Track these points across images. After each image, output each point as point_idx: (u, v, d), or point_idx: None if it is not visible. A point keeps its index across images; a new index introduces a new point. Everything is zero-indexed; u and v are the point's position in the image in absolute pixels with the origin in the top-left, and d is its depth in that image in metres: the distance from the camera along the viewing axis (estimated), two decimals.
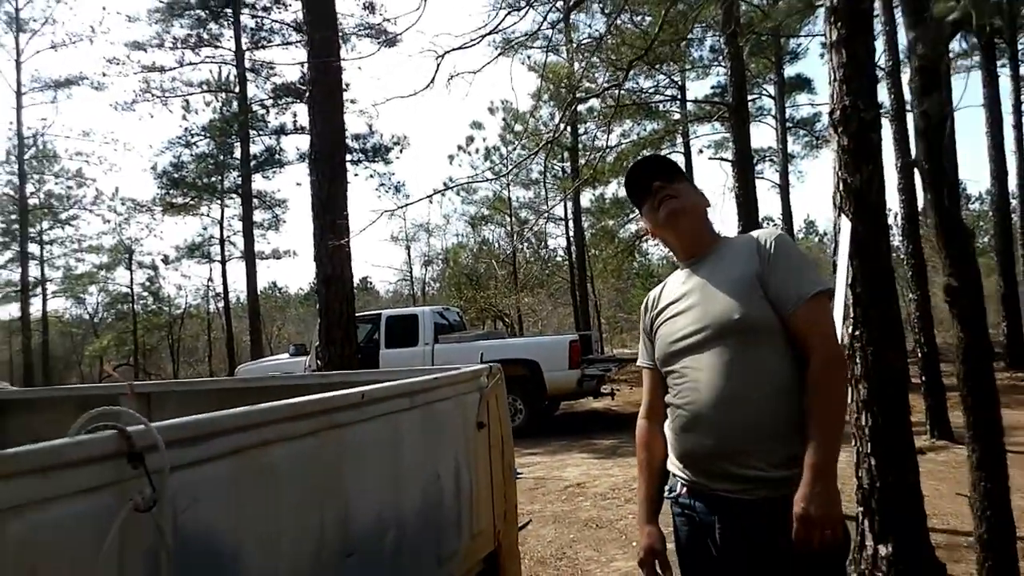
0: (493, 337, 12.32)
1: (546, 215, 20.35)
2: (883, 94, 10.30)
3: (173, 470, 1.03)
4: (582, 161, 20.21)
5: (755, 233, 1.77)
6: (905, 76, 7.66)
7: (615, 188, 26.43)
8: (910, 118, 6.28)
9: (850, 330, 3.93)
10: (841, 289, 3.91)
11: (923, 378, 7.81)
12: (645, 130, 24.10)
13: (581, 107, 21.85)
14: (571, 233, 25.59)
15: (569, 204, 25.40)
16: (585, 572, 4.31)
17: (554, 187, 24.80)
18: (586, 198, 26.74)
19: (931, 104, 2.75)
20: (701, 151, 25.91)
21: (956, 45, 19.29)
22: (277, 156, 23.75)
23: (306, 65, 6.67)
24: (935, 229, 2.83)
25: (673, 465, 1.75)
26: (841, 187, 3.98)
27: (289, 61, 22.37)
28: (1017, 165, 15.83)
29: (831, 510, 1.48)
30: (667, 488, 1.79)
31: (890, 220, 13.38)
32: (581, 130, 23.13)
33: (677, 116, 23.48)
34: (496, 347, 10.43)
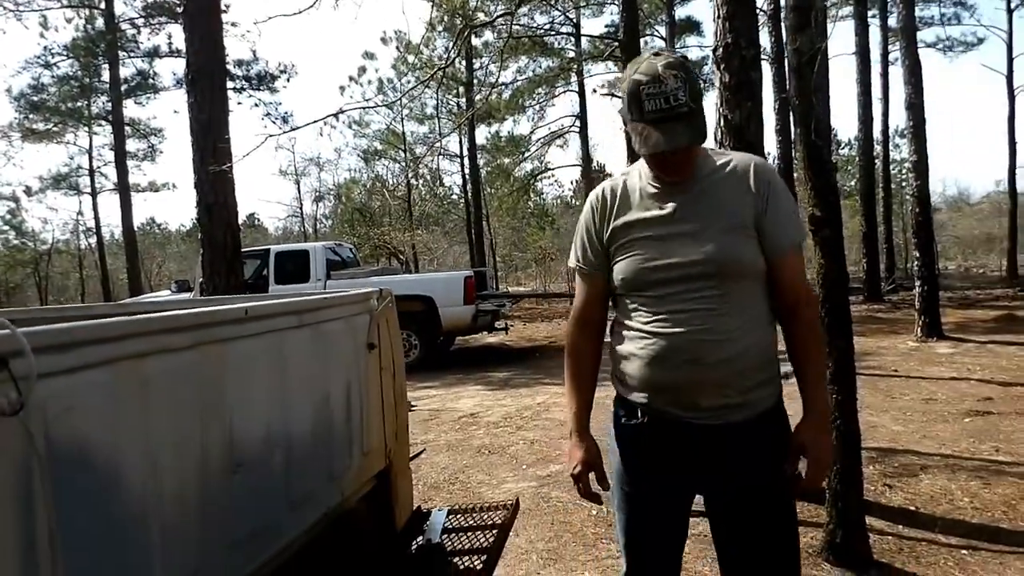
0: (387, 273, 12.22)
1: (439, 148, 20.01)
2: (765, 39, 10.71)
3: (43, 377, 0.99)
4: (478, 97, 19.98)
5: (747, 163, 1.66)
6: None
7: (511, 125, 26.40)
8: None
9: None
10: None
11: None
12: (541, 67, 24.03)
13: (477, 41, 21.48)
14: (467, 171, 25.42)
15: (465, 141, 25.15)
16: (477, 494, 4.48)
17: (449, 122, 24.41)
18: (482, 135, 26.55)
19: (803, 41, 2.90)
20: (595, 90, 26.10)
21: None
22: (151, 81, 22.13)
23: None
24: (803, 162, 3.02)
25: (628, 389, 1.70)
26: (722, 123, 4.15)
27: None
28: (882, 112, 16.95)
29: (832, 454, 1.59)
30: (618, 413, 1.76)
31: (770, 160, 14.05)
32: (476, 65, 22.77)
33: (572, 54, 23.48)
34: (390, 282, 10.34)
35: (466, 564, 2.08)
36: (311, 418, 1.82)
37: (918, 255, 10.38)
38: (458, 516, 2.47)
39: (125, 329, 1.20)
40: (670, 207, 1.62)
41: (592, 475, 1.76)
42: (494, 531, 2.30)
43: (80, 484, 1.09)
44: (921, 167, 10.31)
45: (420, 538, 2.32)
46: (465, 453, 5.45)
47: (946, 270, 26.51)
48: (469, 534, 2.32)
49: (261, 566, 1.57)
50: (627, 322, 1.68)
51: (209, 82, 5.94)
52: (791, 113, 3.17)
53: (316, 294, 2.10)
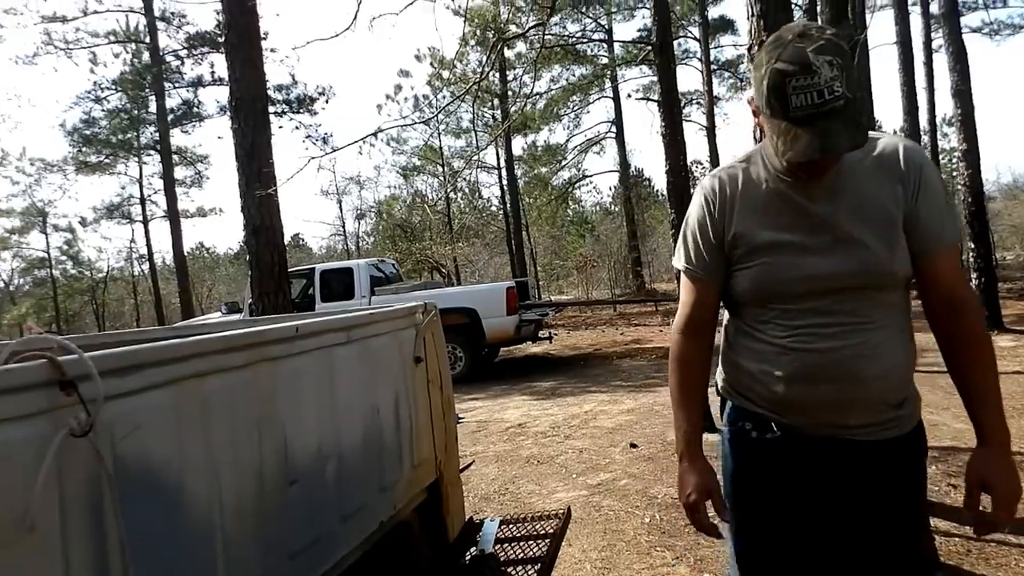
0: (430, 287, 12.33)
1: (476, 161, 20.17)
2: None
3: (110, 399, 1.04)
4: (513, 108, 20.11)
5: (895, 147, 1.42)
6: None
7: (547, 135, 26.51)
8: None
9: None
10: None
11: None
12: (574, 75, 24.10)
13: (510, 53, 21.67)
14: (504, 182, 25.56)
15: (502, 153, 25.30)
16: (527, 504, 4.48)
17: (485, 135, 24.60)
18: (518, 146, 26.70)
19: (841, 32, 2.85)
20: (629, 95, 26.08)
21: None
22: (196, 109, 22.84)
23: (220, 9, 6.37)
24: None
25: (757, 406, 1.52)
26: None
27: (200, 4, 21.19)
28: (927, 101, 16.51)
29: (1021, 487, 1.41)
30: (743, 427, 1.57)
31: None
32: (510, 76, 22.91)
33: (605, 60, 23.47)
34: (433, 296, 10.45)
35: (520, 574, 2.09)
36: (362, 432, 1.86)
37: (973, 246, 10.06)
38: (510, 526, 2.48)
39: (185, 350, 1.25)
40: (809, 207, 1.41)
41: (709, 503, 1.53)
42: (547, 540, 2.30)
43: (145, 499, 1.13)
44: (971, 156, 10.01)
45: (473, 549, 2.34)
46: (514, 464, 5.46)
47: (1004, 260, 25.63)
48: (522, 544, 2.33)
49: None
50: (756, 335, 1.49)
51: (251, 108, 6.11)
52: None
53: (362, 310, 2.14)
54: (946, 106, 16.44)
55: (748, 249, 1.45)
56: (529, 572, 2.09)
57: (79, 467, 0.99)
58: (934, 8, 16.36)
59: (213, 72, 21.43)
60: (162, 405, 1.18)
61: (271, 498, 1.44)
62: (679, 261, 1.61)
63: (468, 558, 2.30)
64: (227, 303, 12.55)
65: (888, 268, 1.38)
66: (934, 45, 18.34)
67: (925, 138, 17.46)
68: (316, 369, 1.68)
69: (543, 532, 2.36)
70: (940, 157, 21.80)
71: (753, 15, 4.12)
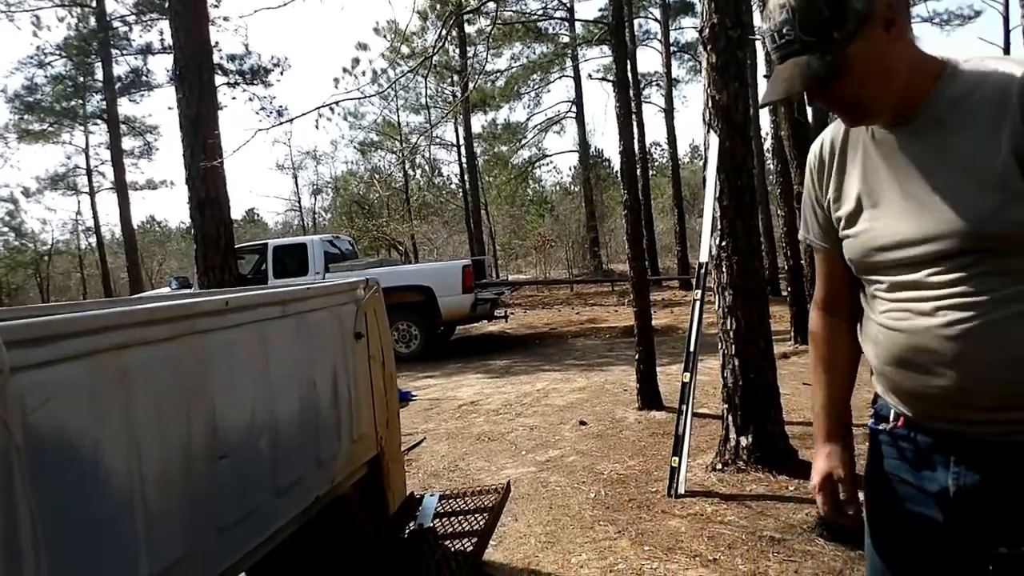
0: (386, 264, 12.24)
1: (433, 137, 19.99)
2: (758, 18, 10.64)
3: (19, 370, 1.02)
4: (471, 84, 19.95)
5: (1008, 78, 1.11)
6: None
7: (507, 113, 26.39)
8: None
9: (718, 241, 4.19)
10: (710, 202, 4.14)
11: (789, 289, 8.43)
12: (535, 53, 23.99)
13: (471, 29, 21.43)
14: (464, 160, 25.39)
15: (461, 130, 25.10)
16: (476, 480, 4.51)
17: (444, 111, 24.38)
18: (478, 123, 26.52)
19: None
20: (590, 75, 26.08)
21: None
22: (144, 78, 22.12)
23: None
24: (788, 140, 3.02)
25: (882, 390, 1.33)
26: (709, 103, 4.16)
27: None
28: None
29: None
30: (873, 413, 1.38)
31: (766, 142, 14.00)
32: (471, 52, 22.68)
33: (566, 39, 23.40)
34: (389, 274, 10.39)
35: (456, 547, 2.11)
36: (298, 407, 1.85)
37: None
38: (450, 501, 2.50)
39: (103, 322, 1.22)
40: (900, 161, 1.20)
41: (840, 489, 1.36)
42: (485, 514, 2.33)
43: (60, 474, 1.11)
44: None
45: (412, 523, 2.36)
46: (465, 441, 5.49)
47: None
48: (461, 518, 2.35)
49: (252, 551, 1.60)
50: (867, 311, 1.34)
51: (197, 77, 5.94)
52: None
53: (302, 285, 2.12)
54: None
55: (845, 215, 1.30)
56: (466, 545, 2.12)
57: None
58: None
59: (163, 40, 20.71)
60: (79, 377, 1.16)
61: (198, 472, 1.43)
62: (801, 232, 1.48)
63: (407, 532, 2.32)
64: (177, 278, 12.29)
65: (995, 228, 1.10)
66: None
67: None
68: (249, 343, 1.66)
69: (482, 506, 2.39)
70: None
71: None
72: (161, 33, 20.73)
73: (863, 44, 1.11)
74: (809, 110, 4.92)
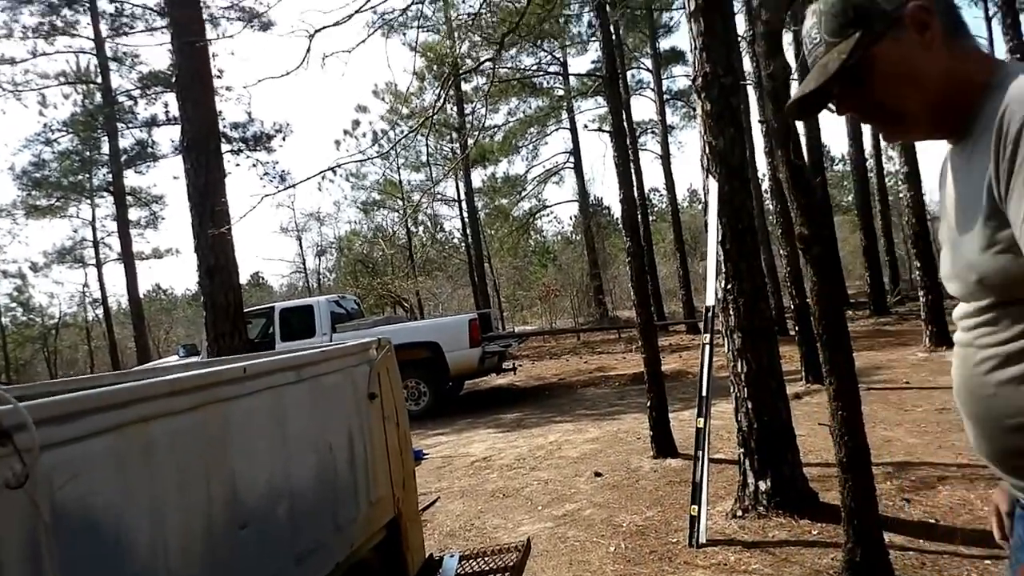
0: (392, 322, 12.25)
1: (433, 194, 20.24)
2: (748, 64, 10.90)
3: (47, 448, 1.03)
4: (471, 141, 20.31)
5: (1005, 101, 0.96)
6: None
7: (506, 166, 26.77)
8: None
9: (723, 284, 4.21)
10: (712, 246, 4.18)
11: (797, 328, 8.41)
12: (531, 107, 24.46)
13: (467, 87, 21.92)
14: (465, 214, 25.66)
15: (461, 185, 25.44)
16: (493, 539, 4.44)
17: (445, 168, 24.75)
18: (478, 178, 26.89)
19: (776, 66, 2.97)
20: (586, 126, 26.51)
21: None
22: (150, 149, 22.52)
23: (171, 48, 6.34)
24: (787, 183, 3.07)
25: None
26: (707, 149, 4.23)
27: (154, 45, 21.06)
28: (872, 128, 17.09)
29: None
30: None
31: (764, 183, 14.13)
32: (468, 110, 23.15)
33: (561, 92, 23.89)
34: (396, 331, 10.39)
35: None
36: (315, 471, 1.84)
37: (919, 264, 10.39)
38: (471, 561, 2.46)
39: (127, 396, 1.24)
40: (951, 183, 1.11)
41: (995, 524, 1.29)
42: (507, 573, 2.29)
43: (86, 548, 1.11)
44: (913, 177, 10.39)
45: None
46: (480, 498, 5.41)
47: None
48: None
49: None
50: None
51: (204, 148, 6.08)
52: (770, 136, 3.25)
53: (315, 348, 2.13)
54: None
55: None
56: None
57: (15, 518, 0.97)
58: None
59: (167, 111, 21.17)
60: (104, 452, 1.17)
61: (221, 542, 1.42)
62: None
63: None
64: (184, 345, 12.30)
65: (977, 272, 1.02)
66: None
67: (870, 162, 18.07)
68: (266, 409, 1.67)
69: (503, 565, 2.35)
70: (886, 180, 22.49)
71: (697, 48, 4.27)
72: (166, 105, 21.20)
73: (890, 46, 1.06)
74: (806, 151, 4.98)
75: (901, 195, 11.57)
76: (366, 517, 2.10)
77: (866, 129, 16.65)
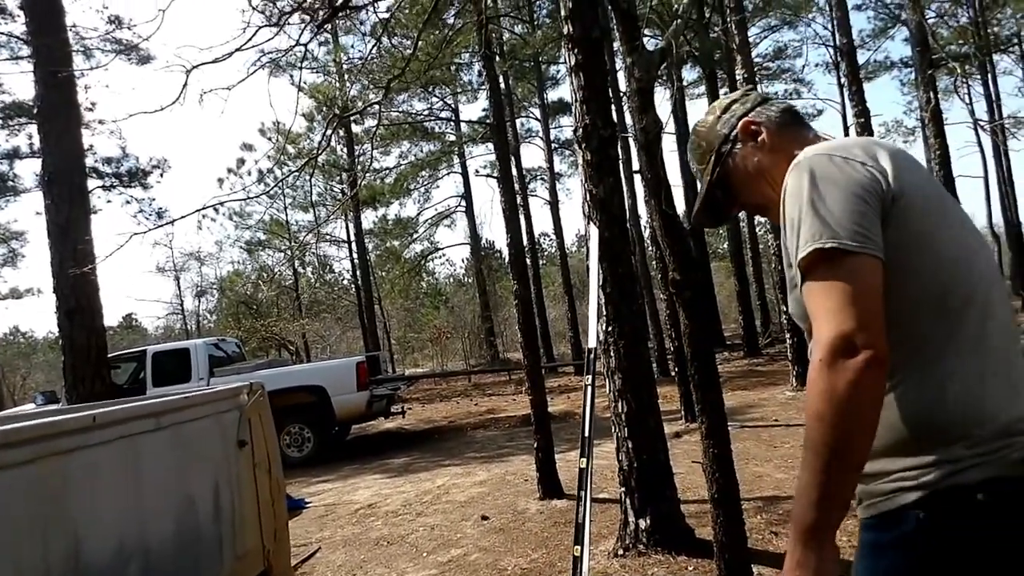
0: (276, 365, 11.79)
1: (322, 235, 19.84)
2: (628, 118, 11.46)
3: None
4: (362, 183, 20.11)
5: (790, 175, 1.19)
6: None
7: (397, 208, 26.65)
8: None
9: (604, 327, 4.34)
10: (594, 290, 4.30)
11: (676, 369, 8.75)
12: (423, 151, 24.60)
13: (357, 128, 21.80)
14: (355, 256, 25.26)
15: (351, 227, 25.09)
16: None
17: (334, 209, 24.37)
18: (369, 219, 26.62)
19: (648, 121, 3.15)
20: (477, 171, 26.91)
21: (688, 75, 21.93)
22: (11, 183, 20.90)
23: (34, 78, 5.96)
24: (660, 230, 3.23)
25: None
26: (588, 198, 4.39)
27: (17, 74, 19.74)
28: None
29: None
30: None
31: (646, 231, 14.79)
32: (359, 151, 23.00)
33: (453, 137, 24.19)
34: (279, 375, 10.01)
35: None
36: (173, 525, 1.73)
37: (785, 309, 11.08)
38: None
39: None
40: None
41: None
42: None
43: None
44: (778, 228, 11.15)
45: None
46: (363, 547, 5.24)
47: None
48: None
49: None
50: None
51: (67, 182, 5.70)
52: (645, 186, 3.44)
53: (180, 394, 2.03)
54: None
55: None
56: None
57: None
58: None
59: (32, 144, 19.75)
60: None
61: None
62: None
63: None
64: (43, 392, 11.35)
65: (790, 311, 1.28)
66: None
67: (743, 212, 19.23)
68: (118, 461, 1.56)
69: None
70: (757, 229, 24.02)
71: (577, 100, 4.45)
72: (30, 137, 19.75)
73: (736, 158, 1.38)
74: (679, 202, 5.28)
75: (769, 244, 12.40)
76: (232, 572, 1.99)
77: None
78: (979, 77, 21.66)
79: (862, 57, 22.71)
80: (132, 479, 1.59)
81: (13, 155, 20.40)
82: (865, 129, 12.62)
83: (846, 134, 24.56)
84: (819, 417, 1.01)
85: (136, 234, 3.79)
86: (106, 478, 1.49)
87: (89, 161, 15.29)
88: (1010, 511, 1.03)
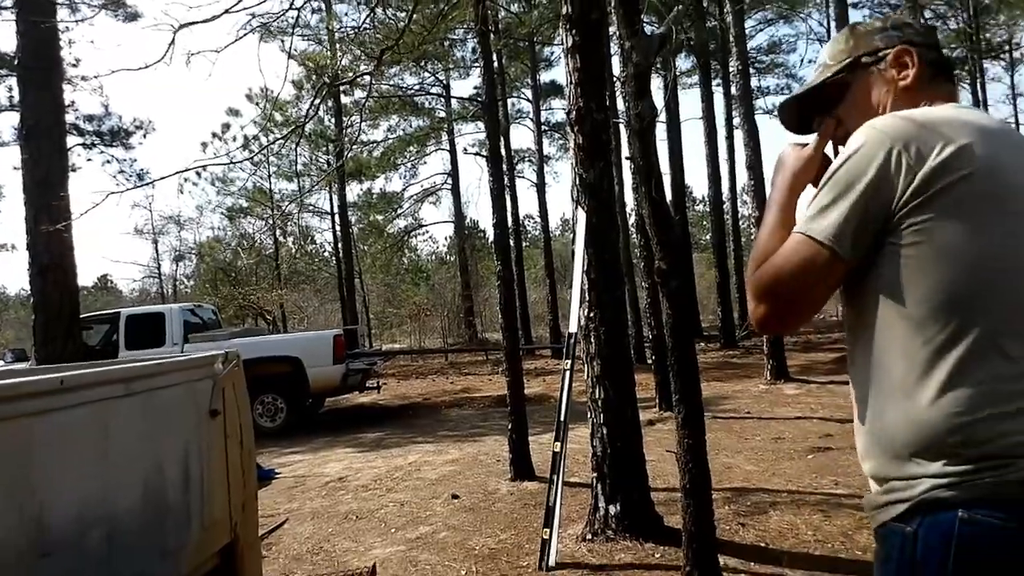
0: (252, 334, 11.70)
1: (305, 205, 19.63)
2: (621, 103, 11.41)
3: None
4: (349, 155, 19.89)
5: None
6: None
7: (383, 183, 26.42)
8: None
9: (586, 312, 4.33)
10: (578, 275, 4.29)
11: (653, 358, 8.79)
12: (412, 126, 24.35)
13: (347, 100, 21.51)
14: (337, 228, 25.03)
15: (335, 199, 24.85)
16: (342, 563, 4.28)
17: (318, 179, 24.11)
18: (353, 192, 26.36)
19: (643, 107, 3.11)
20: (465, 150, 26.73)
21: (682, 64, 21.90)
22: None
23: (16, 29, 5.78)
24: (649, 218, 3.21)
25: None
26: (577, 181, 4.36)
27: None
28: (728, 171, 18.36)
29: None
30: None
31: (631, 218, 14.78)
32: (347, 122, 22.72)
33: (442, 114, 23.97)
34: (254, 344, 9.94)
35: None
36: (140, 493, 1.70)
37: None
38: None
39: None
40: None
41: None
42: None
43: None
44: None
45: None
46: (331, 520, 5.22)
47: None
48: None
49: None
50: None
51: (47, 138, 5.54)
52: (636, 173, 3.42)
53: (152, 360, 1.98)
54: (744, 176, 18.41)
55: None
56: None
57: None
58: (734, 90, 18.40)
59: (11, 96, 19.28)
60: None
61: (14, 571, 1.27)
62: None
63: None
64: (12, 350, 11.20)
65: None
66: (735, 122, 20.57)
67: (727, 205, 19.35)
68: (86, 425, 1.52)
69: None
70: (740, 222, 24.16)
71: (572, 83, 4.40)
72: (10, 89, 19.26)
73: (868, 77, 1.25)
74: (670, 191, 5.25)
75: (753, 237, 12.44)
76: (198, 543, 1.95)
77: (724, 173, 17.85)
78: (968, 84, 21.85)
79: None
80: (100, 445, 1.55)
81: None
82: None
83: None
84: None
85: (114, 192, 3.71)
86: (72, 444, 1.45)
87: (70, 117, 14.96)
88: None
